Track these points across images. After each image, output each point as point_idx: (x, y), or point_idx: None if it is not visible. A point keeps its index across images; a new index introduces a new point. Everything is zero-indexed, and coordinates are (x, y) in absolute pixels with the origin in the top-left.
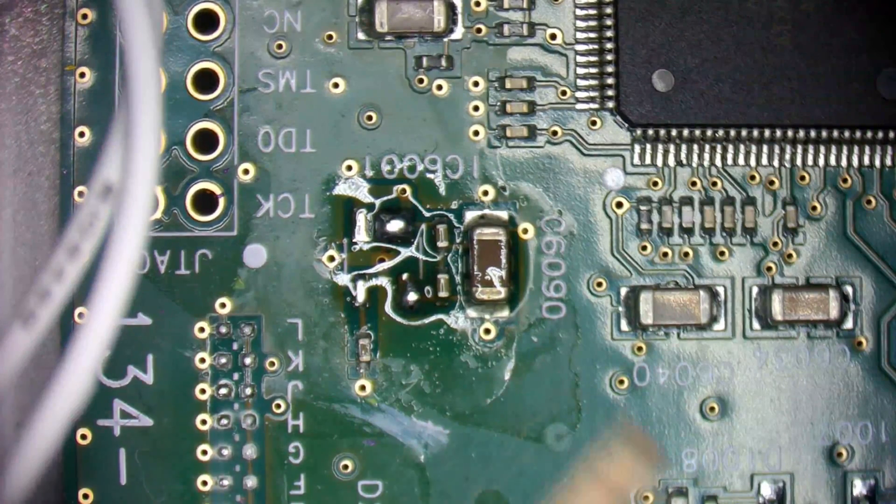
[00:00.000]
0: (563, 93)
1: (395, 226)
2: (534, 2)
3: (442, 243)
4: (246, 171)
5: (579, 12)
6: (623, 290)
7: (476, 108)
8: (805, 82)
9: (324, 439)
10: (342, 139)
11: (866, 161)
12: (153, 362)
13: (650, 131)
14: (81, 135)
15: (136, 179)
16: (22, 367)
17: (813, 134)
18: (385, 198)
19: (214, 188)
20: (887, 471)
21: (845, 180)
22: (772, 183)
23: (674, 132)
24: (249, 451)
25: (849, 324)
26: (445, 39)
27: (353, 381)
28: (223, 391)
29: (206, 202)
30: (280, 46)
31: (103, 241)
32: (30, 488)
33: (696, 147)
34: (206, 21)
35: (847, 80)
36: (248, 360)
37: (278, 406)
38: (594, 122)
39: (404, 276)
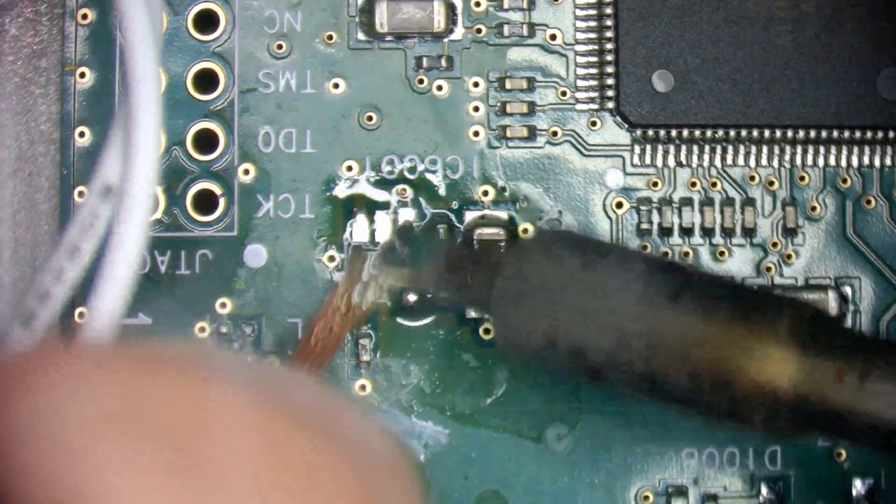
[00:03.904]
0: (563, 93)
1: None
2: (534, 2)
3: None
4: (246, 172)
5: (579, 12)
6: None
7: (476, 109)
8: (805, 82)
9: None
10: (342, 139)
11: (866, 161)
12: None
13: (650, 132)
14: (81, 135)
15: (136, 179)
16: None
17: (813, 134)
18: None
19: (214, 188)
20: (887, 471)
21: (845, 180)
22: (771, 183)
23: (674, 133)
24: None
25: (848, 324)
26: (445, 40)
27: (353, 381)
28: None
29: (206, 202)
30: (280, 46)
31: (103, 241)
32: None
33: (695, 148)
34: (206, 21)
35: (847, 80)
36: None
37: None
38: (594, 123)
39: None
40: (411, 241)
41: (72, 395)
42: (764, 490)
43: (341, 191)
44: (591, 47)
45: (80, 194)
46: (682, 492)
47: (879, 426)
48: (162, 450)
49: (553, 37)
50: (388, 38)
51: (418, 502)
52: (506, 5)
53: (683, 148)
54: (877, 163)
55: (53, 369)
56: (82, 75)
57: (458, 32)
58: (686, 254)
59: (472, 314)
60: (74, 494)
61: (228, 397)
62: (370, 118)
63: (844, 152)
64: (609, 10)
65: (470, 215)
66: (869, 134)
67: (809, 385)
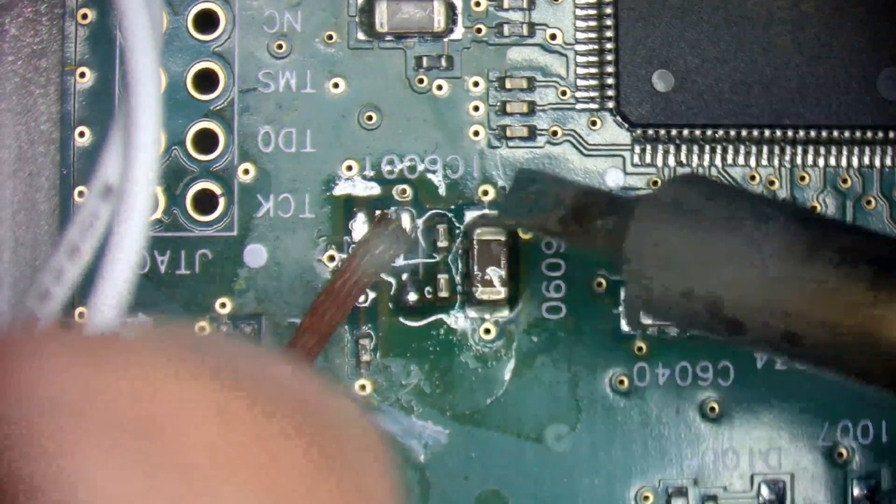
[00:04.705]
0: (563, 93)
1: None
2: (534, 2)
3: (442, 243)
4: (246, 171)
5: (579, 12)
6: (623, 291)
7: (476, 109)
8: (805, 82)
9: None
10: (342, 139)
11: (866, 161)
12: None
13: (650, 131)
14: (81, 135)
15: (136, 179)
16: None
17: (813, 134)
18: (385, 198)
19: (214, 188)
20: (887, 471)
21: (845, 181)
22: (772, 183)
23: (674, 132)
24: None
25: None
26: (445, 39)
27: (353, 381)
28: None
29: (206, 202)
30: (280, 46)
31: (103, 241)
32: None
33: (696, 147)
34: (206, 21)
35: (847, 80)
36: None
37: None
38: (594, 123)
39: (404, 276)
40: (533, 183)
41: (25, 381)
42: (764, 490)
43: (341, 191)
44: (591, 47)
45: (80, 194)
46: (682, 492)
47: None
48: (117, 436)
49: (553, 36)
50: (388, 37)
51: (390, 477)
52: (506, 5)
53: (683, 148)
54: (877, 163)
55: (19, 351)
56: (82, 75)
57: (458, 32)
58: (834, 218)
59: (472, 314)
60: (30, 481)
61: (181, 379)
62: (370, 118)
63: (844, 152)
64: (609, 10)
65: (470, 215)
66: (869, 134)
67: None
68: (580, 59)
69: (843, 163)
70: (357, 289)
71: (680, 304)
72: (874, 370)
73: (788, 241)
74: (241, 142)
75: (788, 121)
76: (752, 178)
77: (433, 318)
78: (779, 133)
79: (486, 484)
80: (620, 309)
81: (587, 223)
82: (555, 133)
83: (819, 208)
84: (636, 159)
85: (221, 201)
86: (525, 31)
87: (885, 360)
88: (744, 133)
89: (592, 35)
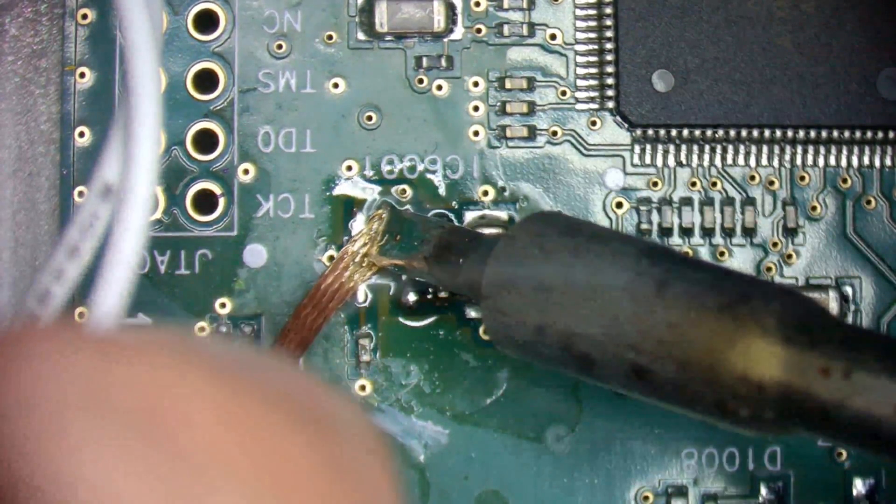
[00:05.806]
0: (563, 93)
1: None
2: (534, 2)
3: None
4: (246, 171)
5: (579, 12)
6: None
7: (476, 109)
8: (805, 82)
9: None
10: (342, 139)
11: (866, 161)
12: None
13: (650, 132)
14: (81, 135)
15: (136, 179)
16: None
17: (813, 134)
18: (385, 198)
19: (214, 188)
20: (887, 471)
21: (845, 180)
22: (771, 183)
23: (674, 132)
24: None
25: (840, 318)
26: (445, 39)
27: (353, 381)
28: None
29: (206, 202)
30: (280, 46)
31: (103, 241)
32: None
33: (695, 147)
34: (206, 21)
35: (847, 80)
36: None
37: None
38: (594, 123)
39: (404, 277)
40: (404, 224)
41: (26, 381)
42: (764, 490)
43: (341, 191)
44: (591, 47)
45: (80, 194)
46: (682, 492)
47: (864, 423)
48: (118, 435)
49: (553, 36)
50: (388, 37)
51: (390, 475)
52: (506, 5)
53: (683, 148)
54: (877, 163)
55: (20, 350)
56: (82, 75)
57: (458, 32)
58: (686, 254)
59: (472, 314)
60: (30, 481)
61: (184, 379)
62: (370, 118)
63: (844, 152)
64: (609, 10)
65: (470, 215)
66: (869, 134)
67: (794, 379)
68: (580, 59)
69: (843, 163)
70: (339, 294)
71: (535, 340)
72: (720, 407)
73: (638, 278)
74: (241, 142)
75: (788, 121)
76: (752, 178)
77: (433, 318)
78: (779, 133)
79: (486, 484)
80: None
81: (449, 261)
82: (555, 133)
83: (819, 208)
84: (636, 159)
85: (221, 201)
86: (525, 31)
87: (730, 397)
88: (744, 133)
89: (592, 35)
